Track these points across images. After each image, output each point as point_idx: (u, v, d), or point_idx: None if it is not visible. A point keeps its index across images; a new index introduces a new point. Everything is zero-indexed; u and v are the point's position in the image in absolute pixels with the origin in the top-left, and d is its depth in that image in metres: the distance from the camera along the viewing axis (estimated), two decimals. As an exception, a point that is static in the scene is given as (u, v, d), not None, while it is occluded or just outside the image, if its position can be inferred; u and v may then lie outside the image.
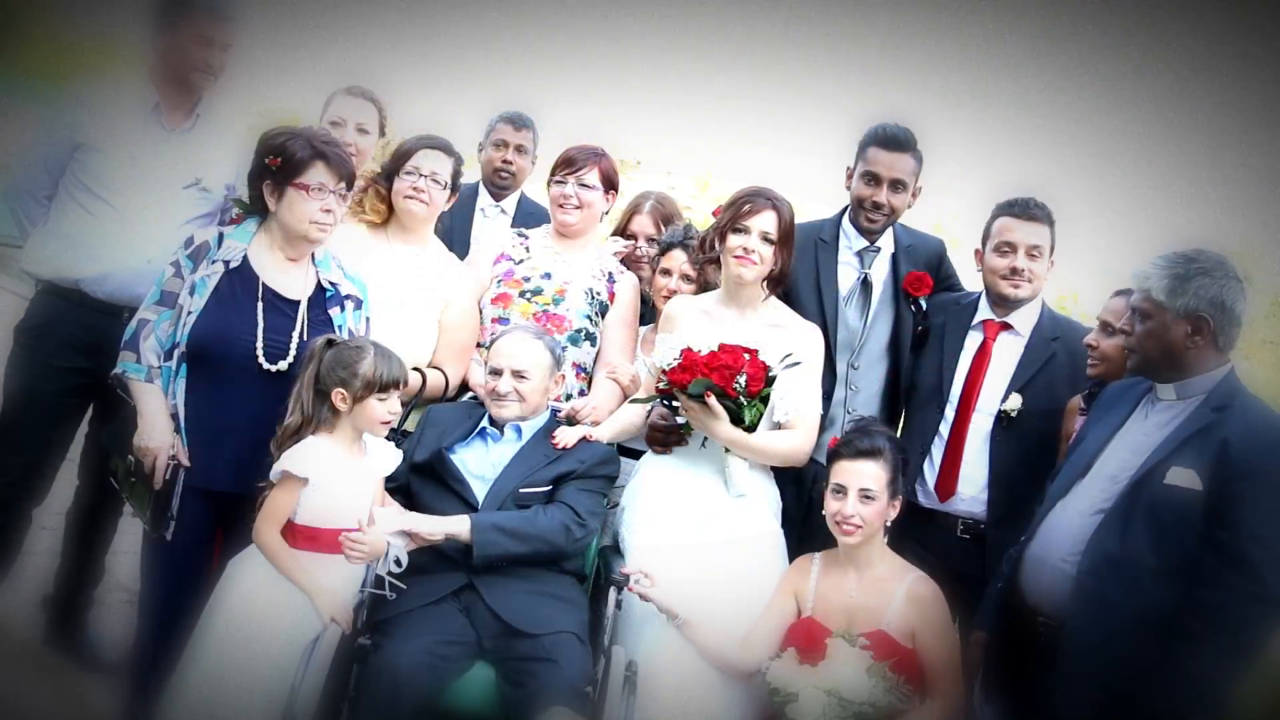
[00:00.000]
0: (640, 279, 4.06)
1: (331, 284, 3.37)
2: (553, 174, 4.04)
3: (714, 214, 3.68)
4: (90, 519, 3.97)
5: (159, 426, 3.10)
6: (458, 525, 3.12)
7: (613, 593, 3.21)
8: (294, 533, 3.04)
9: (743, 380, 3.26)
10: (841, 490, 3.19)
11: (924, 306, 3.91)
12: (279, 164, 3.23)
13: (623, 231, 4.38)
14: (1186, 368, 2.82)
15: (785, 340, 3.45)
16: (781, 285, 3.63)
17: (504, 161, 4.91)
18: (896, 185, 3.87)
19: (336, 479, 3.08)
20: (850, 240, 3.98)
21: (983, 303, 3.81)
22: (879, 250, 3.98)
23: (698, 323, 3.53)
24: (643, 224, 4.32)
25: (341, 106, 4.15)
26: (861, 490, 3.16)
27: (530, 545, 3.15)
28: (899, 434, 3.85)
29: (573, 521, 3.22)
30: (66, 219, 3.67)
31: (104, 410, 3.69)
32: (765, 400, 3.34)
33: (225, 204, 3.83)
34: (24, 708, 3.54)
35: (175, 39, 3.66)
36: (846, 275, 3.96)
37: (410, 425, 3.52)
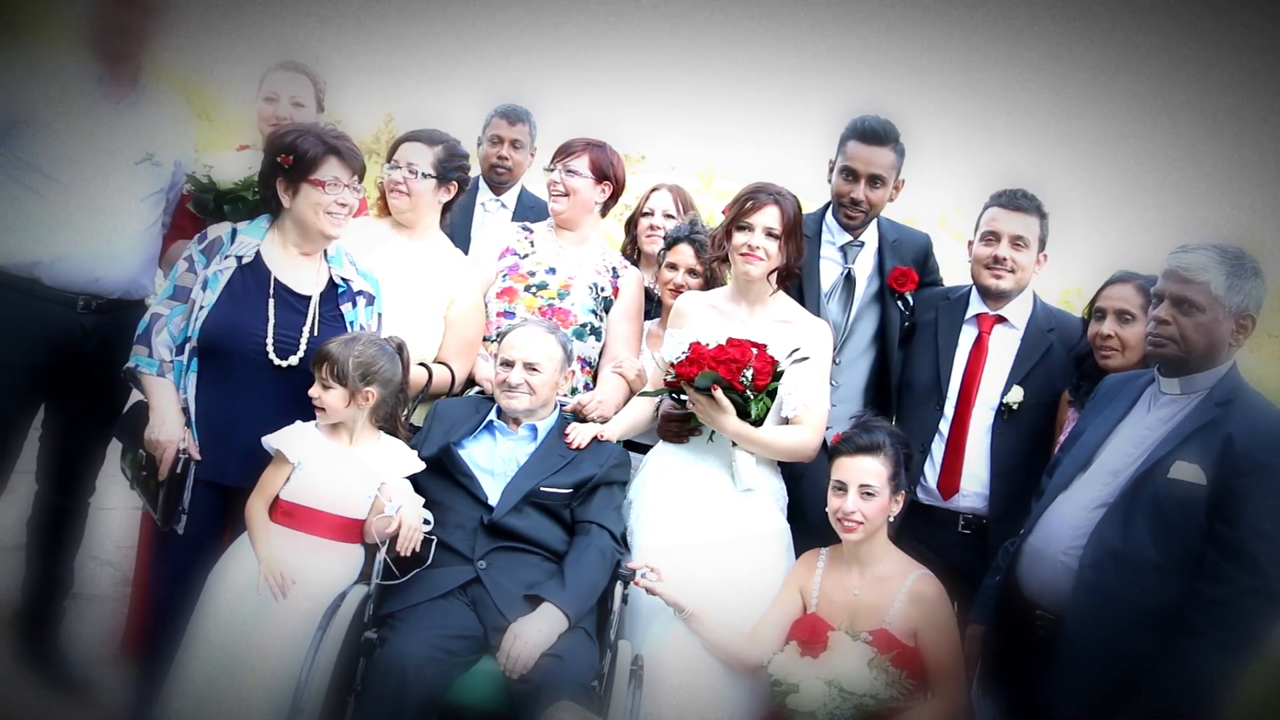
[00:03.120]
0: (642, 255, 4.02)
1: (344, 280, 3.38)
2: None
3: (724, 212, 3.67)
4: (53, 524, 3.83)
5: (170, 420, 3.12)
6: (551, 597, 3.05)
7: (619, 587, 3.21)
8: (276, 506, 3.12)
9: (749, 374, 3.26)
10: (842, 487, 3.20)
11: (910, 302, 3.91)
12: (291, 162, 3.23)
13: (640, 210, 4.39)
14: (1217, 362, 2.84)
15: (794, 336, 3.45)
16: (791, 279, 3.63)
17: (499, 157, 4.96)
18: (874, 180, 3.85)
19: (321, 464, 3.11)
20: (833, 235, 3.98)
21: (974, 296, 3.81)
22: (863, 245, 3.97)
23: (707, 318, 3.53)
24: (661, 200, 4.34)
25: (275, 81, 4.07)
26: (862, 486, 3.17)
27: (601, 585, 3.19)
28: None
29: (614, 550, 3.25)
30: (10, 201, 3.47)
31: (58, 412, 3.62)
32: (772, 395, 3.34)
33: (176, 179, 3.77)
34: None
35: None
36: (829, 270, 3.96)
37: (418, 420, 3.53)
